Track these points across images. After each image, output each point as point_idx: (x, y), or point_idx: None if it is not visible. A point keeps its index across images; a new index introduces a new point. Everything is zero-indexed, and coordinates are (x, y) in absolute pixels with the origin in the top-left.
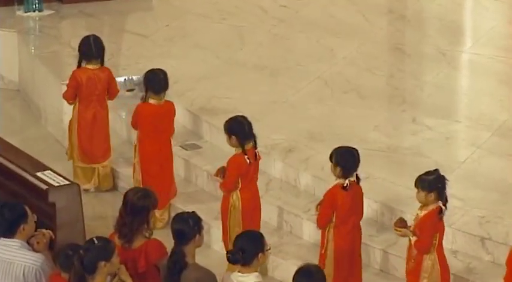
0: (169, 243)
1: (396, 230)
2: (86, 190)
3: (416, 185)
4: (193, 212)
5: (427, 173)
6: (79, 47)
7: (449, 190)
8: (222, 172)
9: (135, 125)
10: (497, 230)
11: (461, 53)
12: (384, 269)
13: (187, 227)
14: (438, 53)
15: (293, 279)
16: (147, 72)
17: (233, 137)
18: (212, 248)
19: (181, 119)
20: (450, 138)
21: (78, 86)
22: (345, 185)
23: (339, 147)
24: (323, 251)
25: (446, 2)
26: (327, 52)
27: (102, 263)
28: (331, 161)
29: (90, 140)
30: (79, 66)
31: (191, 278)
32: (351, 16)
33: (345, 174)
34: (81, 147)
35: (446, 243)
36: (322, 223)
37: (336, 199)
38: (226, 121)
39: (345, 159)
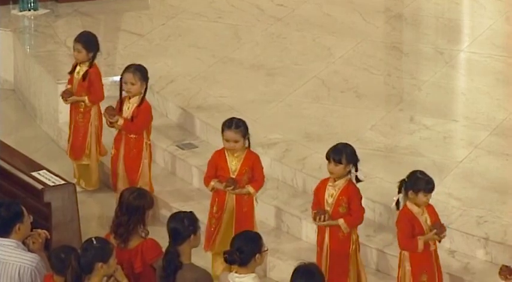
0: (165, 243)
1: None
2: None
3: (430, 191)
4: (190, 212)
5: (424, 175)
6: (94, 44)
7: (447, 190)
8: (232, 182)
9: (147, 125)
10: (495, 230)
11: (459, 52)
12: (381, 269)
13: (182, 227)
14: (435, 52)
15: (293, 279)
16: (141, 67)
17: (247, 137)
18: None
19: (177, 118)
20: (448, 138)
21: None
22: (361, 178)
23: (344, 147)
24: (351, 250)
25: (443, 1)
26: (323, 51)
27: (99, 264)
28: (341, 162)
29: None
30: (93, 63)
31: (189, 278)
32: (347, 15)
33: (356, 169)
34: (100, 142)
35: (444, 243)
36: (362, 220)
37: (360, 193)
38: (241, 125)
39: (356, 156)
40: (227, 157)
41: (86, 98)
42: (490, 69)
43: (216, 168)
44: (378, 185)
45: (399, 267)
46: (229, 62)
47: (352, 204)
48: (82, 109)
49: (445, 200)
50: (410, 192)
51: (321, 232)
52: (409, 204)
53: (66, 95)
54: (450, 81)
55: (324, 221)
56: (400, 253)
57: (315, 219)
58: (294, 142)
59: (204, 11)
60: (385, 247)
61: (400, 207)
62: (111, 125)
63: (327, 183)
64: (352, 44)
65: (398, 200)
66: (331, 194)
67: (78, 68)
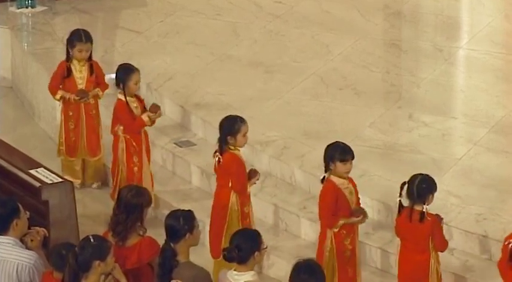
0: (159, 240)
1: None
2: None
3: (435, 191)
4: (189, 210)
5: (428, 176)
6: (92, 38)
7: (446, 187)
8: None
9: None
10: (495, 228)
11: (458, 49)
12: (381, 267)
13: (177, 225)
14: (435, 49)
15: (293, 275)
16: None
17: None
18: (206, 246)
19: (175, 115)
20: (447, 135)
21: None
22: None
23: (345, 144)
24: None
25: None
26: (322, 48)
27: (97, 262)
28: (341, 161)
29: None
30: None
31: (187, 276)
32: (346, 12)
33: None
34: None
35: None
36: None
37: None
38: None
39: None
40: (241, 157)
41: (99, 90)
42: (489, 67)
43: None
44: (377, 183)
45: (428, 273)
46: (227, 59)
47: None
48: (93, 103)
49: (444, 198)
50: (430, 197)
51: (353, 234)
52: (426, 208)
53: (83, 94)
54: (449, 79)
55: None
56: (428, 260)
57: (364, 220)
58: (292, 139)
59: (202, 8)
60: (384, 245)
61: (425, 217)
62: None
63: (340, 187)
64: (350, 41)
65: (400, 203)
66: (351, 191)
67: (76, 67)
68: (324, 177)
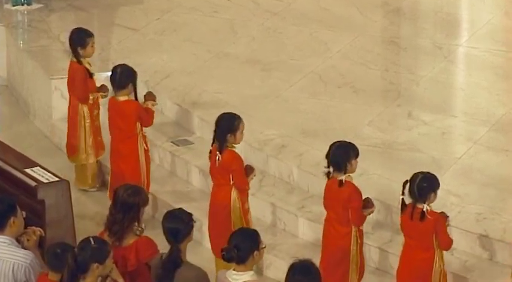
0: (157, 241)
1: None
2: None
3: (438, 189)
4: (180, 208)
5: (430, 174)
6: None
7: (446, 186)
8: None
9: None
10: (495, 227)
11: (458, 47)
12: (380, 267)
13: (181, 225)
14: (434, 47)
15: (289, 276)
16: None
17: None
18: (204, 246)
19: (172, 114)
20: (446, 134)
21: None
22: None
23: (346, 141)
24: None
25: None
26: (320, 46)
27: (95, 265)
28: (356, 158)
29: None
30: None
31: (190, 276)
32: (345, 9)
33: None
34: None
35: None
36: None
37: None
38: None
39: None
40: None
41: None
42: (489, 64)
43: None
44: (376, 182)
45: (431, 271)
46: (224, 57)
47: None
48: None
49: (444, 197)
50: (432, 195)
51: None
52: (429, 207)
53: (107, 89)
54: (449, 76)
55: None
56: (432, 259)
57: (374, 208)
58: (290, 138)
59: (199, 5)
60: (383, 244)
61: (425, 216)
62: None
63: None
64: (349, 38)
65: (403, 201)
66: None
67: (87, 66)
68: (342, 179)
